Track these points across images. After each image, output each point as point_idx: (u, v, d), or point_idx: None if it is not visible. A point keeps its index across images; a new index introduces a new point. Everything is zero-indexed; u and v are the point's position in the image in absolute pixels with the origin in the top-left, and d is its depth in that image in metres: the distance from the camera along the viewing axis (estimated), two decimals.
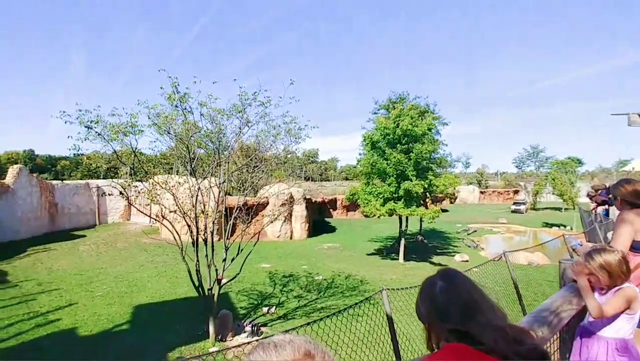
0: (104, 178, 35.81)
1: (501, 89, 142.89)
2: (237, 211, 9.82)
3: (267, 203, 23.48)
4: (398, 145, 17.71)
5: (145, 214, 8.58)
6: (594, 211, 10.06)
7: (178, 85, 7.57)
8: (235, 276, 9.82)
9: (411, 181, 17.19)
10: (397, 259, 19.47)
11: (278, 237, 25.35)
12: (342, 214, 40.35)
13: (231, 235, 9.81)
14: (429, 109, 20.34)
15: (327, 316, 3.86)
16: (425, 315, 1.08)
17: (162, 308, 11.68)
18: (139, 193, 8.31)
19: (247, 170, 10.48)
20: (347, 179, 67.07)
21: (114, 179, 9.28)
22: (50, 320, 10.26)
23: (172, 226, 8.54)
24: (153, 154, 10.00)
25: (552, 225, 36.24)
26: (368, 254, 21.49)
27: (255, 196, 18.46)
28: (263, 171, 10.89)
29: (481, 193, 61.82)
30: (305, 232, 26.74)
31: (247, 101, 8.19)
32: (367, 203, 18.57)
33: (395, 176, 17.59)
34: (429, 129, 17.89)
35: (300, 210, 26.37)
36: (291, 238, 26.06)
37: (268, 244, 22.60)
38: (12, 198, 20.48)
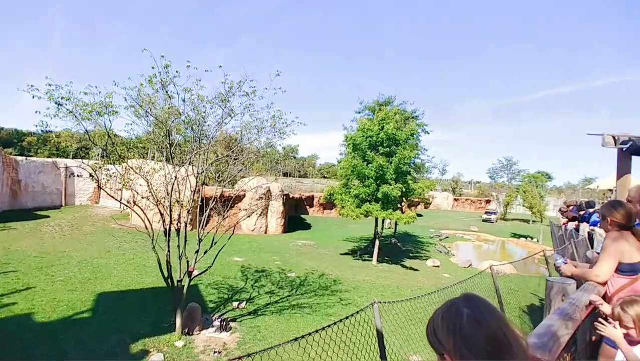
0: (73, 158, 34.34)
1: (482, 100, 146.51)
2: (214, 202, 9.54)
3: (244, 196, 23.11)
4: (380, 148, 17.77)
5: (115, 199, 8.16)
6: (564, 226, 10.40)
7: (170, 65, 7.21)
8: (207, 269, 9.55)
9: (390, 184, 17.29)
10: (371, 260, 19.59)
11: (253, 230, 25.02)
12: (318, 212, 40.32)
13: (205, 226, 9.53)
14: (412, 115, 20.51)
15: (316, 331, 3.70)
16: (446, 345, 0.96)
17: (127, 297, 11.23)
18: (110, 176, 7.90)
19: (227, 161, 10.21)
20: (325, 176, 67.15)
21: (84, 160, 8.82)
22: (4, 304, 9.66)
23: (144, 213, 8.19)
24: (128, 137, 9.58)
25: (519, 236, 37.53)
26: (342, 254, 21.53)
27: (232, 188, 18.08)
28: (243, 163, 10.63)
29: (455, 200, 63.23)
30: (281, 227, 26.52)
31: (231, 90, 7.92)
32: (343, 205, 18.56)
33: (374, 178, 17.65)
34: (412, 135, 18.04)
35: (277, 205, 26.11)
36: (266, 232, 25.78)
37: (242, 238, 22.25)
38: None
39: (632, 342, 2.16)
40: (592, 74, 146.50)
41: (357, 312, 4.15)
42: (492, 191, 62.61)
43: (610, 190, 30.42)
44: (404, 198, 19.67)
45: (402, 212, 19.64)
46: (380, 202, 17.88)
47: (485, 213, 50.05)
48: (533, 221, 43.22)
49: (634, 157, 9.07)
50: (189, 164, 8.91)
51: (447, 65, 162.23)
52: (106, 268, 13.90)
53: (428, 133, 21.18)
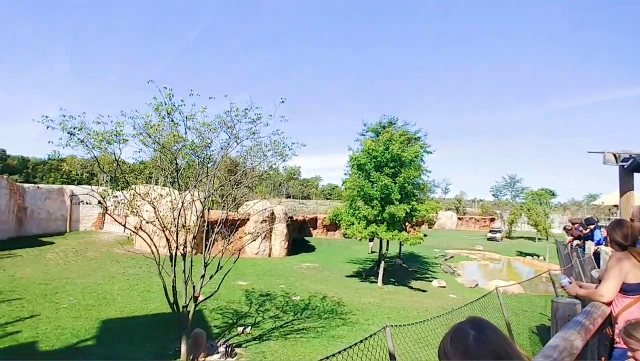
0: (78, 184, 34.69)
1: (484, 117, 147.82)
2: (220, 226, 9.62)
3: (248, 220, 23.15)
4: (385, 168, 17.93)
5: (123, 225, 8.26)
6: (570, 244, 10.37)
7: (173, 96, 7.47)
8: (212, 294, 9.53)
9: (395, 205, 17.35)
10: (376, 282, 19.39)
11: (256, 254, 24.90)
12: (322, 234, 40.18)
13: (210, 250, 9.56)
14: (415, 136, 20.78)
15: (327, 358, 3.71)
16: None
17: (131, 323, 11.16)
18: (118, 202, 8.03)
19: (231, 185, 10.34)
20: (327, 198, 67.14)
21: (92, 186, 8.98)
22: (8, 332, 9.62)
23: (151, 238, 8.27)
24: (134, 163, 9.78)
25: (525, 254, 37.08)
26: (347, 276, 21.33)
27: (236, 212, 18.18)
28: (248, 187, 10.79)
29: (459, 219, 62.92)
30: (285, 250, 26.40)
31: (237, 117, 8.15)
32: (349, 225, 18.57)
33: (379, 199, 17.73)
34: (416, 156, 18.24)
35: (281, 228, 26.09)
36: (270, 255, 25.65)
37: (246, 261, 22.13)
38: None
39: None
40: (591, 91, 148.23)
41: (370, 336, 4.16)
42: (496, 209, 62.31)
43: (616, 206, 30.24)
44: (409, 219, 19.65)
45: (407, 232, 19.58)
46: (385, 223, 17.87)
47: (490, 231, 49.68)
48: (539, 239, 42.80)
49: (636, 174, 9.14)
50: (195, 188, 9.06)
51: (449, 79, 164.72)
52: (110, 294, 13.85)
53: (431, 153, 21.38)
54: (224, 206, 10.72)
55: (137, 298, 13.63)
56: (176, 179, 8.16)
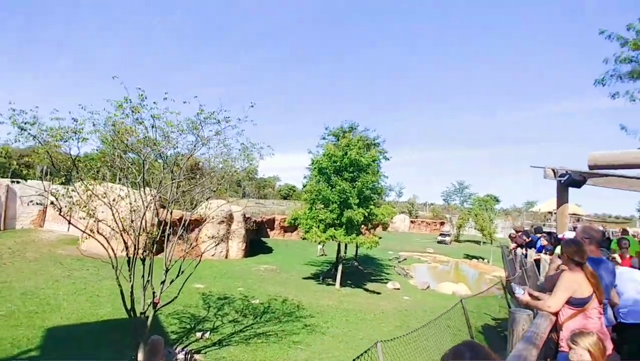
0: (12, 177, 31.76)
1: (437, 124, 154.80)
2: (182, 228, 9.42)
3: (205, 220, 22.54)
4: (344, 173, 18.33)
5: (80, 229, 7.78)
6: (513, 251, 11.29)
7: (146, 98, 7.22)
8: (172, 300, 9.28)
9: (353, 209, 17.81)
10: (334, 284, 19.75)
11: (213, 255, 24.25)
12: (279, 235, 40.02)
13: (168, 253, 9.26)
14: (374, 142, 21.44)
15: None
16: None
17: (80, 331, 10.54)
18: (73, 203, 7.57)
19: (190, 184, 10.11)
20: (285, 198, 66.93)
21: (46, 183, 8.39)
22: None
23: (107, 241, 7.91)
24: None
25: (472, 257, 39.47)
26: (305, 278, 21.51)
27: (193, 212, 17.66)
28: (210, 188, 10.64)
29: (411, 222, 65.41)
30: (242, 252, 26.05)
31: (206, 119, 8.04)
32: (309, 229, 18.77)
33: (338, 203, 18.10)
34: (373, 161, 18.84)
35: (239, 229, 25.68)
36: (227, 257, 25.17)
37: (202, 263, 21.40)
38: None
39: None
40: (529, 104, 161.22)
41: (362, 354, 4.31)
42: (446, 213, 65.57)
43: (550, 212, 33.09)
44: (366, 223, 20.21)
45: (364, 235, 20.15)
46: (343, 226, 18.28)
47: (440, 234, 52.22)
48: (483, 243, 45.69)
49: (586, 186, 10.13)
50: (157, 189, 8.78)
51: (404, 86, 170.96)
52: (54, 299, 12.94)
53: (388, 160, 22.16)
54: (186, 209, 10.51)
55: (85, 304, 12.86)
56: (142, 181, 7.86)
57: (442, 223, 62.74)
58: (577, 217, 26.72)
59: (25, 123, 6.45)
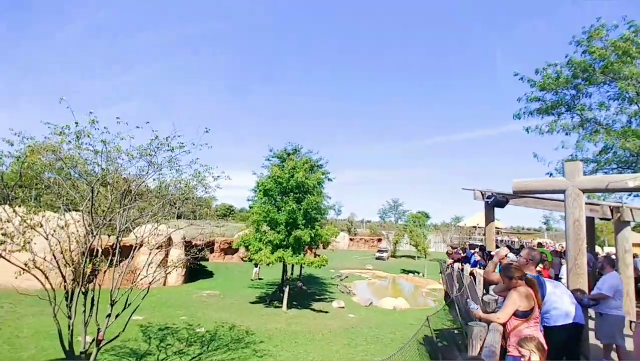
0: None
1: (371, 148, 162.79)
2: (116, 254, 8.94)
3: (141, 245, 21.18)
4: (291, 194, 18.59)
5: (17, 265, 7.02)
6: (450, 266, 12.37)
7: (97, 122, 6.89)
8: (118, 335, 8.68)
9: (301, 229, 18.07)
10: (280, 307, 19.61)
11: (150, 283, 22.78)
12: (219, 258, 38.76)
13: (89, 282, 8.50)
14: (317, 164, 22.07)
15: None
16: None
17: None
18: (6, 235, 6.85)
19: (124, 207, 9.62)
20: (221, 218, 64.92)
21: None
22: None
23: (45, 276, 7.28)
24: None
25: (408, 271, 41.56)
26: (250, 303, 21.04)
27: (127, 237, 16.55)
28: (154, 213, 10.28)
29: (350, 239, 67.18)
30: (182, 277, 24.79)
31: (161, 145, 7.89)
32: (257, 251, 18.59)
33: (285, 224, 18.25)
34: (319, 183, 19.40)
35: (177, 254, 24.44)
36: (165, 284, 23.70)
37: (137, 292, 20.08)
38: None
39: None
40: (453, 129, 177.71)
41: None
42: (382, 230, 68.50)
43: (475, 227, 36.28)
44: (312, 243, 20.55)
45: (310, 255, 20.45)
46: (291, 247, 18.42)
47: (378, 251, 54.26)
48: (418, 257, 48.43)
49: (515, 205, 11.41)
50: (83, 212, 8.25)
51: (345, 109, 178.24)
52: None
53: (331, 180, 22.90)
54: (112, 230, 9.79)
55: (3, 347, 11.34)
56: (91, 209, 7.40)
57: (379, 240, 65.27)
58: (497, 230, 29.75)
59: None
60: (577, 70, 12.20)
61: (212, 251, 38.36)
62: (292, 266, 21.04)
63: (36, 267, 7.09)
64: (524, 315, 3.65)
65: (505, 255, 5.05)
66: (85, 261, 7.41)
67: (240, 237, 20.93)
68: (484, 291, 6.98)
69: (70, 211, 8.68)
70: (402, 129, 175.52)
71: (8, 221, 6.87)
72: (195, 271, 28.48)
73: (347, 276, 36.61)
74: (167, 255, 23.53)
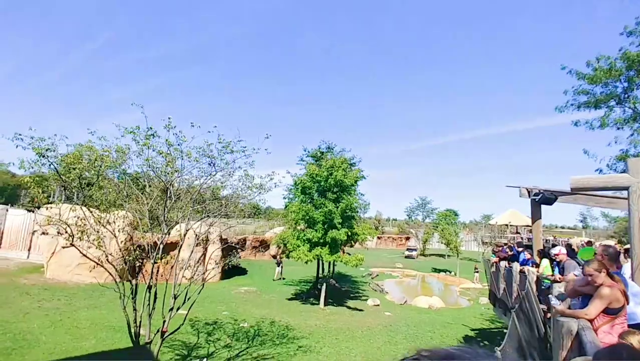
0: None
1: (394, 142, 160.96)
2: (179, 250, 9.38)
3: (182, 243, 21.96)
4: (328, 193, 18.79)
5: (93, 260, 7.54)
6: (496, 264, 12.19)
7: (174, 127, 7.29)
8: (178, 328, 9.13)
9: (338, 229, 18.25)
10: (317, 304, 19.85)
11: (190, 279, 23.58)
12: (251, 255, 39.45)
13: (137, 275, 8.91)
14: (351, 162, 22.17)
15: None
16: None
17: None
18: (83, 232, 7.36)
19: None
20: (249, 217, 66.06)
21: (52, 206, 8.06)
22: None
23: (116, 269, 7.77)
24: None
25: (439, 270, 40.96)
26: (288, 299, 21.39)
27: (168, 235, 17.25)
28: (227, 215, 10.81)
29: (378, 238, 66.78)
30: (219, 274, 25.46)
31: (225, 149, 8.23)
32: (296, 248, 18.90)
33: (322, 223, 18.46)
34: (356, 181, 19.50)
35: (215, 251, 25.15)
36: (203, 280, 24.46)
37: (180, 288, 20.84)
38: None
39: None
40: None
41: None
42: (411, 228, 67.70)
43: (506, 225, 35.28)
44: (349, 242, 20.67)
45: (347, 254, 20.59)
46: (327, 246, 18.61)
47: (407, 249, 53.73)
48: (448, 256, 47.61)
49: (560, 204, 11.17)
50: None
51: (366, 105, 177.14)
52: (30, 333, 12.05)
53: (365, 178, 22.93)
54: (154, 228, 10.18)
55: (65, 337, 12.08)
56: (165, 210, 7.84)
57: (407, 238, 64.59)
58: (529, 228, 28.78)
59: (46, 150, 6.34)
60: (632, 62, 11.72)
61: (243, 248, 39.17)
62: (324, 264, 21.22)
63: (108, 262, 7.55)
64: (614, 312, 3.63)
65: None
66: (154, 257, 7.82)
67: (278, 235, 21.28)
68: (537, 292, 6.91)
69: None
70: (424, 128, 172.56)
71: (84, 220, 7.35)
72: (230, 268, 29.24)
73: (377, 275, 36.48)
74: (205, 252, 24.29)
